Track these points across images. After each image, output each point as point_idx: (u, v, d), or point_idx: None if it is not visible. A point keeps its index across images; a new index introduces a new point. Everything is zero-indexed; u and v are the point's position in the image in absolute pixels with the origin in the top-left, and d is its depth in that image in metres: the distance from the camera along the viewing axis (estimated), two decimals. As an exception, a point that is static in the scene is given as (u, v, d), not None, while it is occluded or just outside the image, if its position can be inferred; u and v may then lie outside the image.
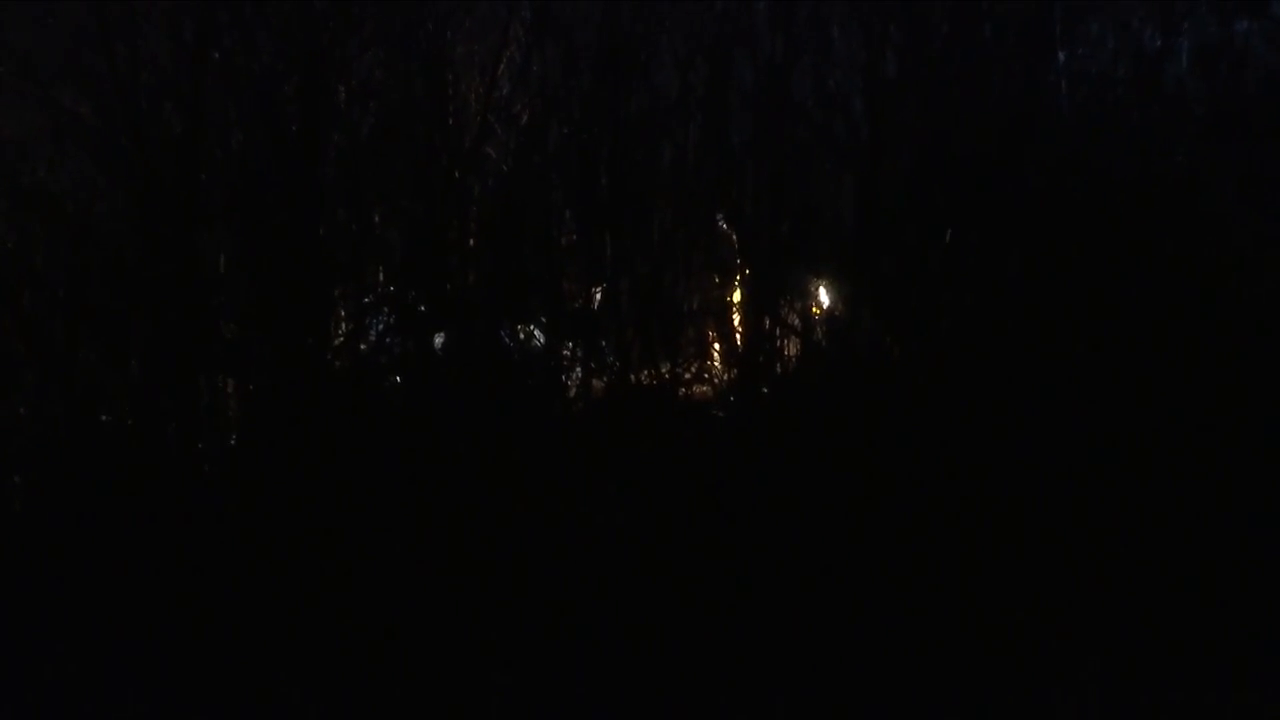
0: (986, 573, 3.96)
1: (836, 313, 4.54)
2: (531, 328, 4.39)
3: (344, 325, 4.32)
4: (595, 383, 4.37)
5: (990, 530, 4.06)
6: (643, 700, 3.56)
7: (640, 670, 3.63)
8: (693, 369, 4.52)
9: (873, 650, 3.70)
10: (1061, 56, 4.71)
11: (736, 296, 4.56)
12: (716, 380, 4.55)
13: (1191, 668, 3.63)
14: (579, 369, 4.37)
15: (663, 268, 4.43)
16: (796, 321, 4.55)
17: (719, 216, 4.56)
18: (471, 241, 4.34)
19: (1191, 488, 4.17)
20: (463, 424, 4.17)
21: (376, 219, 4.35)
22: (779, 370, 4.53)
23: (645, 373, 4.41)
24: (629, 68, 4.38)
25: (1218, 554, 4.02)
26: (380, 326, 4.34)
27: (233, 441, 4.20)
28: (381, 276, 4.39)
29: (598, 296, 4.39)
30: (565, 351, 4.37)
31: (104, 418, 4.17)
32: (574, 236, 4.42)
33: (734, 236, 4.55)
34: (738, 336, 4.54)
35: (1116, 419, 4.28)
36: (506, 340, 4.33)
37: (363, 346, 4.32)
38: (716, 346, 4.60)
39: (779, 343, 4.52)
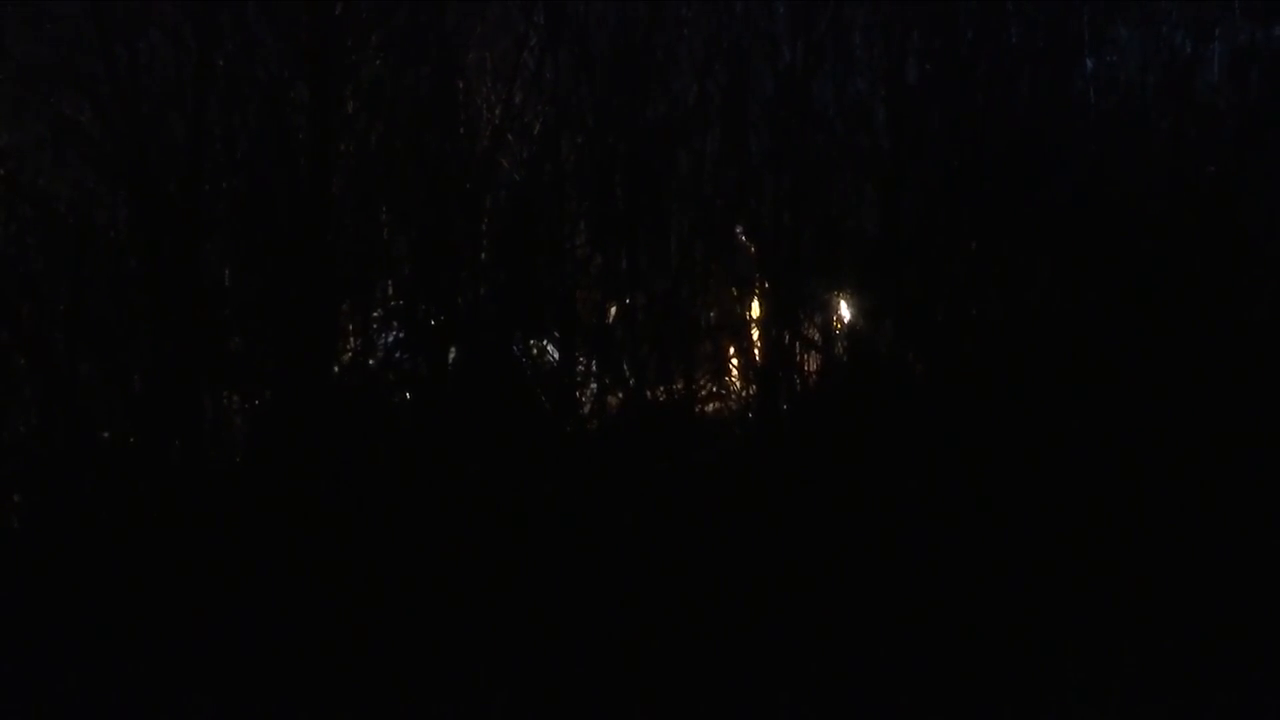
0: (1012, 591, 3.91)
1: (858, 327, 4.48)
2: (545, 342, 4.34)
3: (352, 339, 4.25)
4: (610, 399, 4.31)
5: (1017, 549, 4.02)
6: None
7: (656, 690, 3.58)
8: (710, 385, 4.47)
9: (895, 666, 3.64)
10: (1089, 63, 4.66)
11: (755, 310, 4.50)
12: (734, 396, 4.50)
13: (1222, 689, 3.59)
14: (594, 385, 4.31)
15: (680, 281, 4.37)
16: (817, 336, 4.48)
17: (738, 228, 4.50)
18: (483, 254, 4.28)
19: (1225, 499, 4.14)
20: (474, 441, 4.10)
21: (385, 230, 4.29)
22: (799, 386, 4.47)
23: (661, 389, 4.35)
24: (645, 74, 4.31)
25: (1255, 571, 3.98)
26: (389, 341, 4.27)
27: (238, 459, 4.14)
28: (390, 289, 4.32)
29: (613, 310, 4.33)
30: (579, 367, 4.31)
31: (105, 434, 4.09)
32: (588, 248, 4.35)
33: (753, 248, 4.49)
34: (756, 351, 4.48)
35: (1146, 432, 4.24)
36: (519, 355, 4.27)
37: (371, 361, 4.25)
38: (735, 362, 4.54)
39: (799, 358, 4.46)
